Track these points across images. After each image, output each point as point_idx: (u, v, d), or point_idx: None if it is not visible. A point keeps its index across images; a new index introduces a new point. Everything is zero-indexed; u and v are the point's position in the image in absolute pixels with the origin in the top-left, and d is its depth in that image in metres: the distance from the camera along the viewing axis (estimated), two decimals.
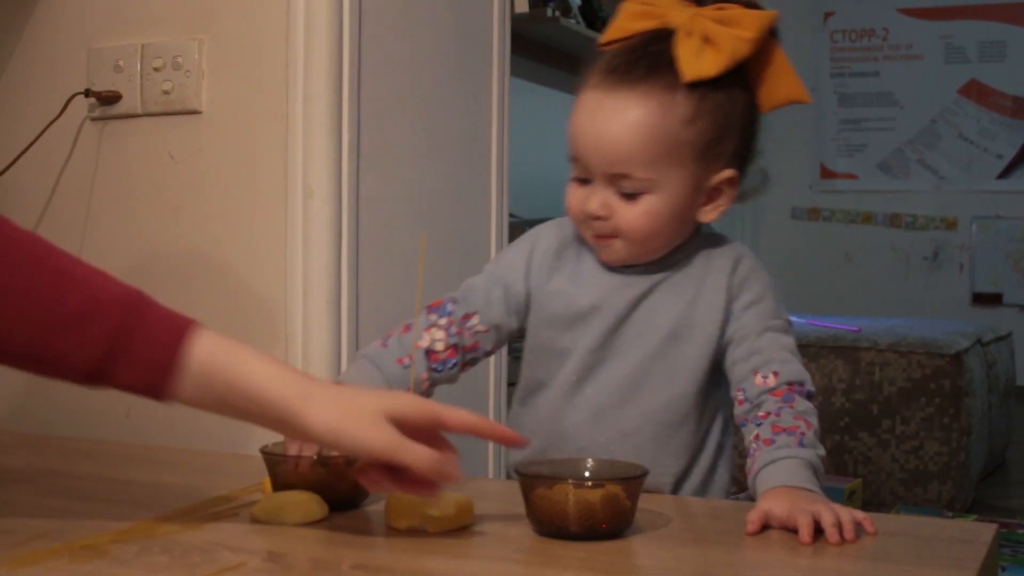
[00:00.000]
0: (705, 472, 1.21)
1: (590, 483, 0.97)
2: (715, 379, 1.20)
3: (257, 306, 1.58)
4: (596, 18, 3.31)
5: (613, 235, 1.17)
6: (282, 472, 1.07)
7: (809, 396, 1.14)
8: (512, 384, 1.28)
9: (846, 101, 5.62)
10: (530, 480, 0.97)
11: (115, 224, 1.68)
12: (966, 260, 5.44)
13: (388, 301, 1.64)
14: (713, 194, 1.19)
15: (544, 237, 1.26)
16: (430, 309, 1.23)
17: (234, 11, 1.60)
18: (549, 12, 2.98)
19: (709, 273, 1.20)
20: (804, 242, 5.67)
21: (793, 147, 5.67)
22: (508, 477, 1.43)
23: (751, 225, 5.70)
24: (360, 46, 1.58)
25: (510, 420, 1.31)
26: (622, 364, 1.19)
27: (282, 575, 0.87)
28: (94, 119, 1.69)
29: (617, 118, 1.14)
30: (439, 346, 1.21)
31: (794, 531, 0.97)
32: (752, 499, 1.06)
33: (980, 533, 0.99)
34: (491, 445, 1.87)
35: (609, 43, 1.20)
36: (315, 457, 1.06)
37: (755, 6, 1.16)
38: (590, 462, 1.04)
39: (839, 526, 0.96)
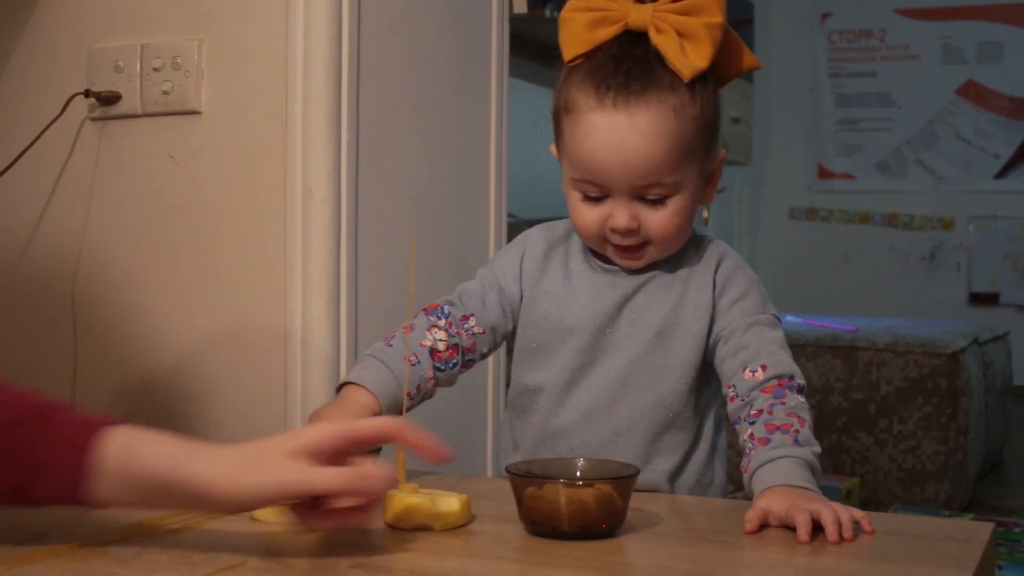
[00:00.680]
0: (700, 469, 1.22)
1: (580, 482, 0.97)
2: (705, 376, 1.21)
3: (257, 306, 1.58)
4: None
5: (644, 243, 1.18)
6: None
7: (800, 389, 1.13)
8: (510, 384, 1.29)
9: (844, 101, 5.63)
10: (521, 480, 0.97)
11: (115, 224, 1.68)
12: (963, 260, 5.45)
13: (387, 301, 1.64)
14: (710, 177, 1.21)
15: (533, 240, 1.26)
16: (426, 312, 1.24)
17: (233, 11, 1.60)
18: (548, 12, 2.99)
19: (693, 271, 1.21)
20: (802, 242, 5.68)
21: (791, 147, 5.68)
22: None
23: (749, 225, 5.71)
24: (359, 47, 1.59)
25: (502, 421, 1.31)
26: (612, 364, 1.20)
27: (281, 575, 0.87)
28: (94, 119, 1.69)
29: (637, 132, 1.13)
30: (441, 346, 1.22)
31: (792, 530, 0.97)
32: (749, 498, 1.06)
33: (977, 532, 0.99)
34: (489, 445, 1.87)
35: (576, 58, 1.17)
36: None
37: None
38: (581, 461, 1.04)
39: (838, 525, 0.97)
